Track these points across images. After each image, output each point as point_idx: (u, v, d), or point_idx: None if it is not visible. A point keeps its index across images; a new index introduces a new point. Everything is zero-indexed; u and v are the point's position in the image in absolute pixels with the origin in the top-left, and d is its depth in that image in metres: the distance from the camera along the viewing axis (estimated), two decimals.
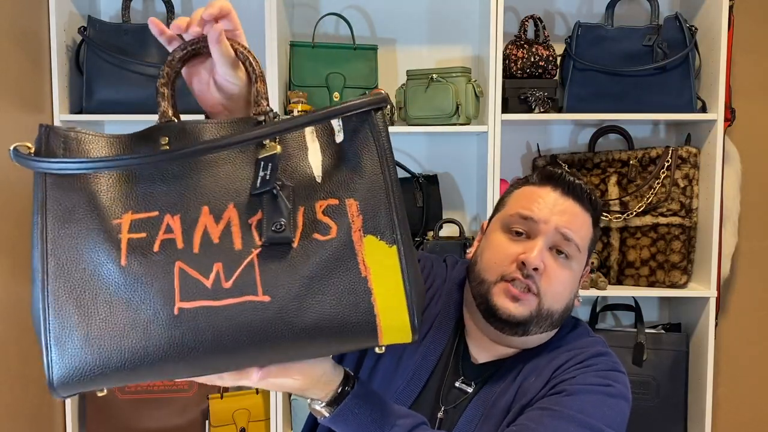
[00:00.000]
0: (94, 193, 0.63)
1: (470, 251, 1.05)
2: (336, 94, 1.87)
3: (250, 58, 0.70)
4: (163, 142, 0.65)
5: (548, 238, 0.94)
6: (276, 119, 0.67)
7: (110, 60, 1.81)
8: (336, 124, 0.68)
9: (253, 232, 0.64)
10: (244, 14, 2.21)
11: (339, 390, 0.78)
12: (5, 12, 1.63)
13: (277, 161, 0.64)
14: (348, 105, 0.65)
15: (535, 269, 0.92)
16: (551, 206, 0.96)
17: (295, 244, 0.64)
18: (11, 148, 0.62)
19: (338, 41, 1.97)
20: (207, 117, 0.76)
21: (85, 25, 1.83)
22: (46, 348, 0.60)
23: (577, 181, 0.98)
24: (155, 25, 0.70)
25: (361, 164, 0.67)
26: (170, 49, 0.71)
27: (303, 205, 0.65)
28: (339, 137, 0.68)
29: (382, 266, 0.65)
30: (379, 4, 2.04)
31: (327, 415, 0.78)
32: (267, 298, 0.62)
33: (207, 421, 1.92)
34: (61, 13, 1.80)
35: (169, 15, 1.93)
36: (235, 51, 0.70)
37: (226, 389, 1.92)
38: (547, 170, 1.02)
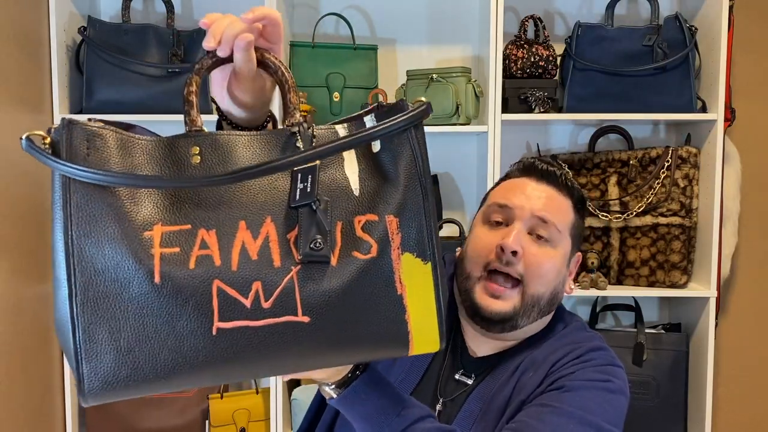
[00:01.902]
0: (120, 201, 0.59)
1: (459, 250, 1.06)
2: (336, 94, 1.87)
3: (282, 69, 0.67)
4: (194, 152, 0.62)
5: (525, 222, 0.95)
6: (309, 129, 0.65)
7: (110, 60, 1.81)
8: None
9: (292, 249, 0.62)
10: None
11: (350, 374, 0.79)
12: (5, 12, 1.63)
13: (316, 173, 0.63)
14: (392, 124, 0.63)
15: (514, 253, 0.92)
16: (527, 193, 0.98)
17: (333, 262, 0.62)
18: (23, 136, 0.58)
19: (338, 41, 1.97)
20: (217, 108, 0.74)
21: (85, 25, 1.83)
22: (77, 361, 0.58)
23: (550, 168, 1.00)
24: (211, 40, 0.65)
25: (398, 177, 0.66)
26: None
27: (341, 220, 0.64)
28: (376, 147, 0.67)
29: (416, 283, 0.66)
30: (379, 4, 2.04)
31: (335, 396, 0.79)
32: (306, 319, 0.61)
33: (207, 421, 1.92)
34: (61, 13, 1.80)
35: (169, 15, 1.92)
36: (267, 61, 0.67)
37: (226, 389, 1.92)
38: (523, 162, 1.04)
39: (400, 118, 0.64)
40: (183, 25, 1.99)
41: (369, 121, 0.69)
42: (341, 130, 0.68)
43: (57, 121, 1.93)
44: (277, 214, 0.62)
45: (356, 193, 0.65)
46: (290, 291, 0.61)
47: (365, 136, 0.63)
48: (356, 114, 0.71)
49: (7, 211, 1.61)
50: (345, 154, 0.66)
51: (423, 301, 0.66)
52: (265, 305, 0.60)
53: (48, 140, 0.59)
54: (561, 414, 0.85)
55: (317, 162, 0.63)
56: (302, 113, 1.97)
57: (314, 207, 0.62)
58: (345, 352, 0.64)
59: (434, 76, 1.82)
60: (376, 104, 0.70)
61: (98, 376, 0.58)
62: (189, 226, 0.60)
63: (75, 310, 0.57)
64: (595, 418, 0.85)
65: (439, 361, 1.01)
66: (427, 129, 2.00)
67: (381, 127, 0.63)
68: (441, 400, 0.97)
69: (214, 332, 0.59)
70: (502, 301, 0.93)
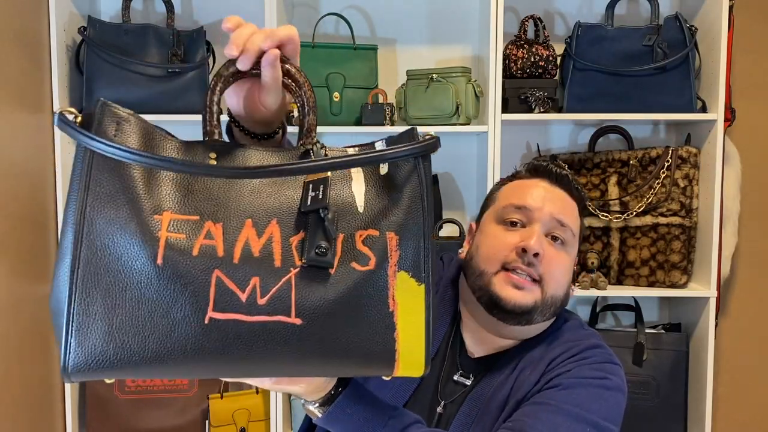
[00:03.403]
0: (135, 183, 0.61)
1: (462, 251, 1.06)
2: (336, 94, 1.87)
3: (306, 87, 0.68)
4: (211, 156, 0.65)
5: (544, 224, 0.96)
6: (323, 150, 0.67)
7: (110, 60, 1.81)
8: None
9: (293, 252, 0.63)
10: (244, 14, 2.21)
11: (332, 391, 0.78)
12: (5, 12, 1.63)
13: (328, 183, 0.64)
14: (402, 150, 0.65)
15: (536, 255, 0.93)
16: (543, 195, 0.98)
17: (332, 270, 0.63)
18: (56, 112, 0.60)
19: (338, 41, 1.97)
20: (228, 112, 0.75)
21: (85, 25, 1.83)
22: (67, 333, 0.58)
23: (563, 172, 1.01)
24: (228, 29, 0.66)
25: (402, 199, 0.67)
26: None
27: (343, 233, 0.65)
28: (384, 169, 0.68)
29: (408, 303, 0.66)
30: (379, 4, 2.04)
31: (320, 415, 0.79)
32: (298, 321, 0.61)
33: (207, 421, 1.92)
34: (61, 13, 1.80)
35: (169, 15, 1.93)
36: (293, 77, 0.68)
37: (226, 389, 1.92)
38: (534, 163, 1.04)
39: (411, 146, 0.66)
40: (183, 25, 1.99)
41: (379, 144, 0.71)
42: (352, 152, 0.70)
43: (57, 121, 1.92)
44: (284, 218, 0.64)
45: (360, 210, 0.66)
46: (286, 292, 0.61)
47: (376, 156, 0.65)
48: (367, 143, 0.73)
49: (6, 211, 1.61)
50: (353, 173, 0.68)
51: (413, 322, 0.66)
52: (261, 302, 0.61)
53: (79, 117, 0.62)
54: (557, 412, 0.85)
55: (329, 174, 0.65)
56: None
57: (323, 214, 0.63)
58: (331, 362, 0.64)
59: (434, 76, 1.82)
60: (388, 137, 0.72)
61: (85, 350, 0.58)
62: (197, 217, 0.62)
63: (75, 281, 0.58)
64: (592, 415, 0.85)
65: (438, 364, 1.01)
66: (427, 129, 2.00)
67: (392, 150, 0.65)
68: (441, 402, 0.97)
69: (206, 321, 0.59)
70: (525, 293, 0.93)
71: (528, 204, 0.97)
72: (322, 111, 1.86)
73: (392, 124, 1.85)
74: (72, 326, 0.58)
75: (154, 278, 0.59)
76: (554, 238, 0.96)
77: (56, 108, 1.79)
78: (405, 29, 2.05)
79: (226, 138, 0.75)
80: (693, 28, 1.81)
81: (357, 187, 0.68)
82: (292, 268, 0.62)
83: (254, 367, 0.63)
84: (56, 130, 1.80)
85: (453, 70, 1.83)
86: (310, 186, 0.64)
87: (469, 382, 0.98)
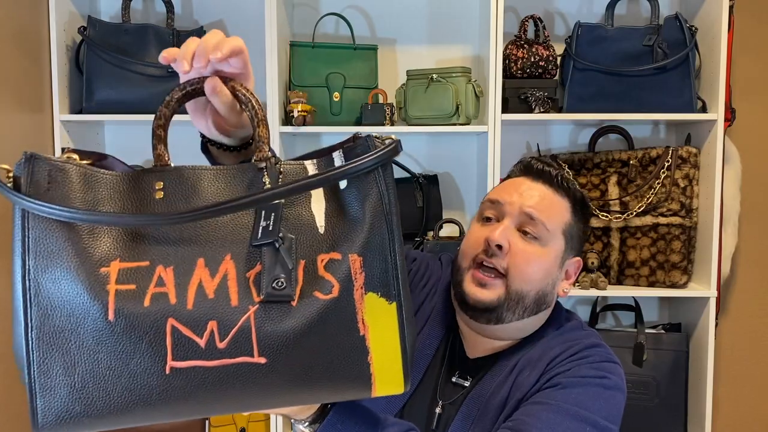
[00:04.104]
0: (78, 236, 0.58)
1: (459, 251, 1.06)
2: (336, 94, 1.87)
3: (253, 102, 0.66)
4: (157, 187, 0.62)
5: (514, 218, 0.96)
6: (278, 165, 0.64)
7: (110, 60, 1.81)
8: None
9: (251, 288, 0.60)
10: (244, 14, 2.22)
11: (321, 408, 0.76)
12: (5, 12, 1.63)
13: (280, 211, 0.62)
14: (360, 164, 0.62)
15: (499, 247, 0.93)
16: (520, 190, 0.98)
17: (294, 302, 0.61)
18: None
19: (338, 41, 1.97)
20: (202, 135, 0.74)
21: (85, 25, 1.83)
22: (31, 394, 0.57)
23: (546, 168, 0.99)
24: (165, 60, 0.66)
25: (364, 216, 0.64)
26: (180, 72, 0.67)
27: (303, 259, 0.62)
28: (342, 184, 0.65)
29: (380, 323, 0.64)
30: (379, 4, 2.04)
31: None
32: (263, 360, 0.59)
33: (207, 421, 1.92)
34: (61, 13, 1.80)
35: (169, 15, 1.92)
36: (237, 94, 0.66)
37: None
38: (523, 161, 1.04)
39: (369, 158, 0.63)
40: (183, 25, 1.99)
41: (337, 157, 0.67)
42: (310, 166, 0.67)
43: (57, 121, 1.91)
44: (238, 251, 0.61)
45: (321, 230, 0.64)
46: (247, 331, 0.59)
47: (332, 176, 0.62)
48: (325, 148, 0.69)
49: (5, 210, 1.61)
50: (312, 191, 0.65)
51: (387, 341, 0.64)
52: (220, 345, 0.58)
53: (11, 174, 0.59)
54: (557, 411, 0.85)
55: (281, 200, 0.62)
56: (302, 113, 1.95)
57: (277, 246, 0.61)
58: (304, 393, 0.63)
59: (434, 76, 1.82)
60: (351, 137, 0.68)
61: (52, 411, 0.57)
62: (147, 263, 0.59)
63: (30, 344, 0.57)
64: (591, 414, 0.85)
65: (437, 365, 1.01)
66: (427, 129, 1.99)
67: (349, 166, 0.62)
68: (440, 403, 0.97)
69: (167, 371, 0.58)
70: (488, 290, 0.94)
71: (501, 199, 0.97)
72: (323, 111, 1.86)
73: (392, 124, 1.85)
74: (35, 387, 0.57)
75: (108, 334, 0.57)
76: (526, 233, 0.96)
77: (56, 108, 1.79)
78: (405, 29, 2.05)
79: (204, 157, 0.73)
80: (693, 28, 1.81)
81: (316, 206, 0.65)
82: (250, 306, 0.59)
83: (226, 406, 0.61)
84: (56, 129, 1.80)
85: (453, 70, 1.83)
86: (263, 213, 0.62)
87: (467, 384, 0.97)
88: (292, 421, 0.79)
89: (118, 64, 1.81)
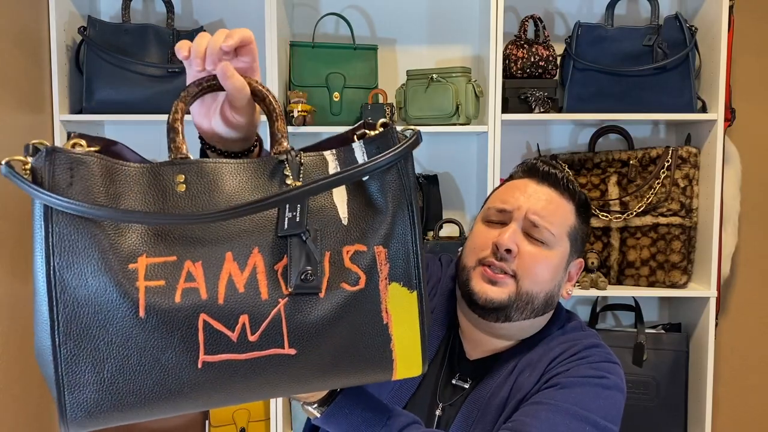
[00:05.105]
0: (104, 232, 0.57)
1: (460, 251, 1.06)
2: (336, 94, 1.87)
3: (270, 97, 0.67)
4: (179, 180, 0.61)
5: (520, 223, 0.96)
6: (297, 157, 0.65)
7: (110, 60, 1.81)
8: (361, 160, 0.66)
9: (279, 280, 0.61)
10: (244, 14, 2.22)
11: (331, 391, 0.79)
12: (5, 12, 1.63)
13: (305, 202, 0.62)
14: (384, 160, 0.63)
15: (508, 251, 0.93)
16: (526, 194, 0.98)
17: (322, 294, 0.62)
18: (2, 162, 0.55)
19: (338, 41, 1.97)
20: (200, 138, 0.74)
21: (85, 25, 1.83)
22: (59, 392, 0.57)
23: (552, 170, 0.99)
24: (181, 50, 0.65)
25: (387, 206, 0.65)
26: (190, 70, 0.67)
27: (329, 250, 0.63)
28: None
29: (402, 311, 0.66)
30: (379, 4, 2.04)
31: (318, 415, 0.80)
32: (293, 351, 0.60)
33: (207, 421, 1.92)
34: (61, 13, 1.80)
35: (169, 15, 1.92)
36: (254, 89, 0.66)
37: None
38: (525, 163, 1.04)
39: (392, 152, 0.64)
40: (183, 25, 1.99)
41: (357, 147, 0.68)
42: (329, 156, 0.67)
43: (57, 121, 1.92)
44: (265, 244, 0.61)
45: (345, 222, 0.65)
46: (277, 323, 0.60)
47: (356, 173, 0.62)
48: (338, 135, 0.69)
49: (6, 211, 1.61)
50: None
51: (408, 328, 0.66)
52: (252, 338, 0.59)
53: (28, 166, 0.57)
54: (556, 411, 0.85)
55: None
56: (302, 113, 1.94)
57: (304, 238, 0.61)
58: (331, 380, 0.65)
59: (434, 76, 1.82)
60: (362, 122, 0.69)
61: (81, 406, 0.57)
62: (174, 258, 0.59)
63: (57, 341, 0.56)
64: (591, 414, 0.86)
65: (437, 366, 1.01)
66: (427, 129, 1.99)
67: (372, 162, 0.63)
68: (440, 405, 0.98)
69: (199, 366, 0.58)
70: (499, 288, 0.93)
71: (508, 204, 0.97)
72: (323, 111, 1.86)
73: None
74: (63, 386, 0.57)
75: (139, 330, 0.57)
76: (532, 236, 0.96)
77: (56, 108, 1.79)
78: (405, 29, 2.05)
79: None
80: (693, 28, 1.81)
81: (338, 196, 0.65)
82: (280, 299, 0.60)
83: (255, 395, 0.62)
84: (56, 129, 1.80)
85: (453, 70, 1.83)
86: (287, 205, 0.62)
87: (467, 386, 0.98)
88: (302, 403, 0.80)
89: (118, 64, 1.81)
